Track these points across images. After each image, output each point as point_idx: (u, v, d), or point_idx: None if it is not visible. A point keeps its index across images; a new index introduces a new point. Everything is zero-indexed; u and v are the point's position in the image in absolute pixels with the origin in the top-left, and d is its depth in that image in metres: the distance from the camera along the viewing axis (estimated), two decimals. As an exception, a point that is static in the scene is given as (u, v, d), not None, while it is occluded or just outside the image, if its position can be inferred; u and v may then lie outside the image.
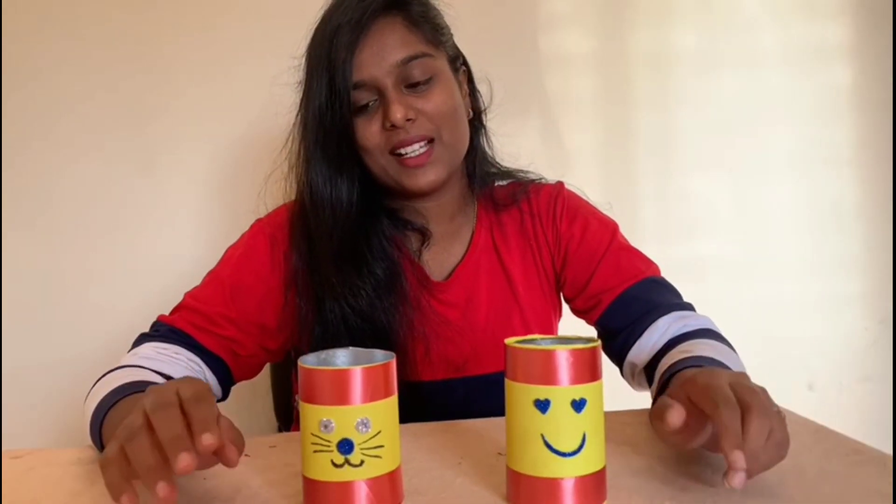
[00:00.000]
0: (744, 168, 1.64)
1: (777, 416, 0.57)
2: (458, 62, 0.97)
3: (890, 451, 0.66)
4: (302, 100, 0.93)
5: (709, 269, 1.62)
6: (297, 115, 0.93)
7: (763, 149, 1.65)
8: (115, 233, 1.49)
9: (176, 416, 0.53)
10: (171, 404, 0.54)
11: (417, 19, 0.90)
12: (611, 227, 0.99)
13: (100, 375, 0.82)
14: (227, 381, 0.92)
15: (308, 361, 0.57)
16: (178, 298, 0.93)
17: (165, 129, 1.49)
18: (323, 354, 0.59)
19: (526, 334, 0.64)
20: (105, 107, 1.48)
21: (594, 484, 0.56)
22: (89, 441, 0.78)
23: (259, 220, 0.98)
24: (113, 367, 0.82)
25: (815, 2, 1.65)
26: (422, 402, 0.83)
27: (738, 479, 0.52)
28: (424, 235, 0.96)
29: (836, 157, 1.67)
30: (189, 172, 1.51)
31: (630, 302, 0.91)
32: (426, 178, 0.89)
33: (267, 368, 1.23)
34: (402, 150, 0.88)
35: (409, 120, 0.87)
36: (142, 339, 0.89)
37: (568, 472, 0.54)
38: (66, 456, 0.76)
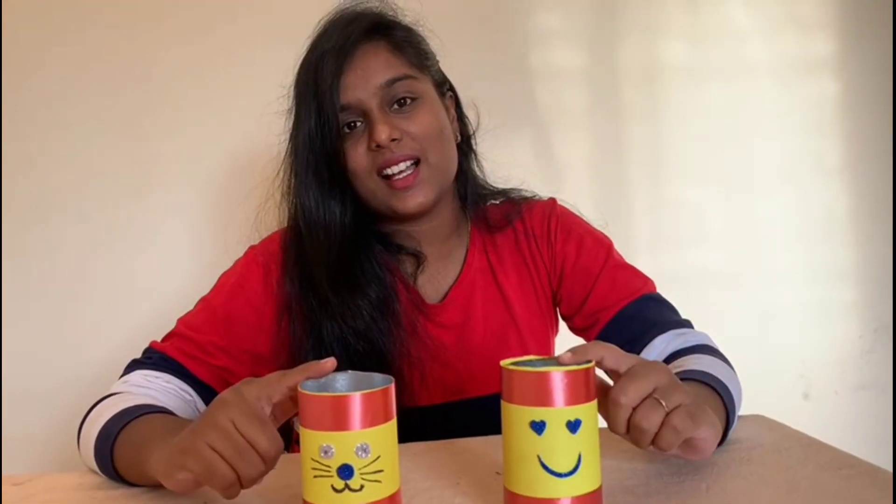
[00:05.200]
0: (735, 179, 1.66)
1: (684, 393, 0.61)
2: (444, 87, 0.98)
3: (887, 458, 0.66)
4: (292, 127, 0.94)
5: (701, 279, 1.63)
6: (288, 142, 0.95)
7: (753, 159, 1.66)
8: (111, 254, 1.49)
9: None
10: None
11: (401, 44, 0.92)
12: (606, 245, 1.00)
13: (93, 403, 0.82)
14: None
15: (308, 387, 0.57)
16: (176, 321, 0.94)
17: (161, 150, 1.49)
18: (322, 379, 0.60)
19: (523, 354, 0.64)
20: (101, 127, 1.48)
21: (590, 503, 0.56)
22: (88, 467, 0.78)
23: (253, 248, 0.99)
24: (105, 395, 0.83)
25: (802, 14, 1.67)
26: (421, 428, 0.83)
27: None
28: (419, 259, 0.97)
29: (826, 166, 1.69)
30: (184, 193, 1.51)
31: (627, 320, 0.92)
32: (415, 199, 0.90)
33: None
34: (389, 171, 0.89)
35: (393, 140, 0.88)
36: (133, 365, 0.89)
37: (564, 492, 0.55)
38: (67, 481, 0.76)
